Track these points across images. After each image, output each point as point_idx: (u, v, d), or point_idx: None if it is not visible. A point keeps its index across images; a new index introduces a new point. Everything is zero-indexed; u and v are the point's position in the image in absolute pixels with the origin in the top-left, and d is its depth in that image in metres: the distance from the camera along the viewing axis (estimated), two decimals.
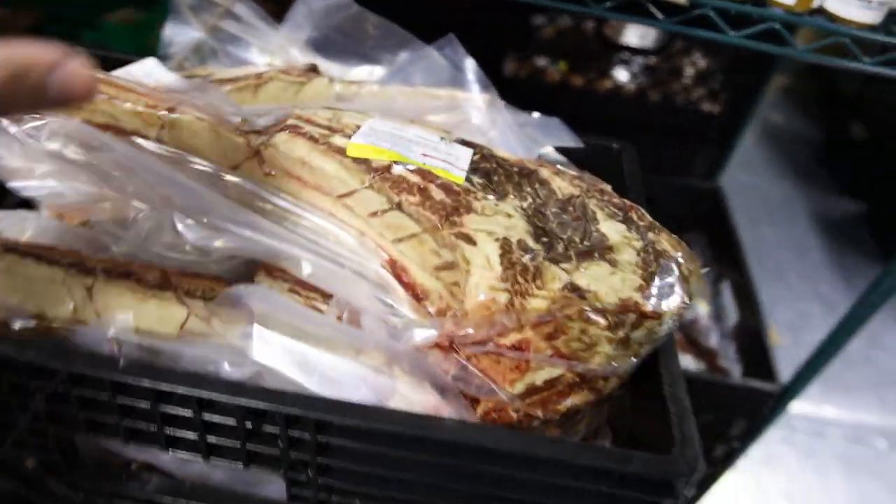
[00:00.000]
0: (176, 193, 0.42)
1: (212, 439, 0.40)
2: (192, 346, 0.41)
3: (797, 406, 1.47)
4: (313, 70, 0.63)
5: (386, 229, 0.43)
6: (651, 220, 0.47)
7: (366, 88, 0.60)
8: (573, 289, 0.39)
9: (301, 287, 0.45)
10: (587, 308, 0.39)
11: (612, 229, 0.44)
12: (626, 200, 0.48)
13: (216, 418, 0.39)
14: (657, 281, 0.41)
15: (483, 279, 0.39)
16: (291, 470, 0.40)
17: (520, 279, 0.39)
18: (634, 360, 0.41)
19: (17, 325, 0.40)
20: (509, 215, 0.42)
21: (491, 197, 0.43)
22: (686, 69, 1.55)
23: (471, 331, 0.39)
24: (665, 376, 0.43)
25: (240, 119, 0.46)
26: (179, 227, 0.41)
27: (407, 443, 0.38)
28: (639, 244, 0.43)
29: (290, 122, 0.46)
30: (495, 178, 0.46)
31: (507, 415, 0.43)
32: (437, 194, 0.42)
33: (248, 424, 0.38)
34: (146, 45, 1.24)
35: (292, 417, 0.37)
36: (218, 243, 0.42)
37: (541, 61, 1.53)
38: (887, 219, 2.34)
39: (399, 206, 0.42)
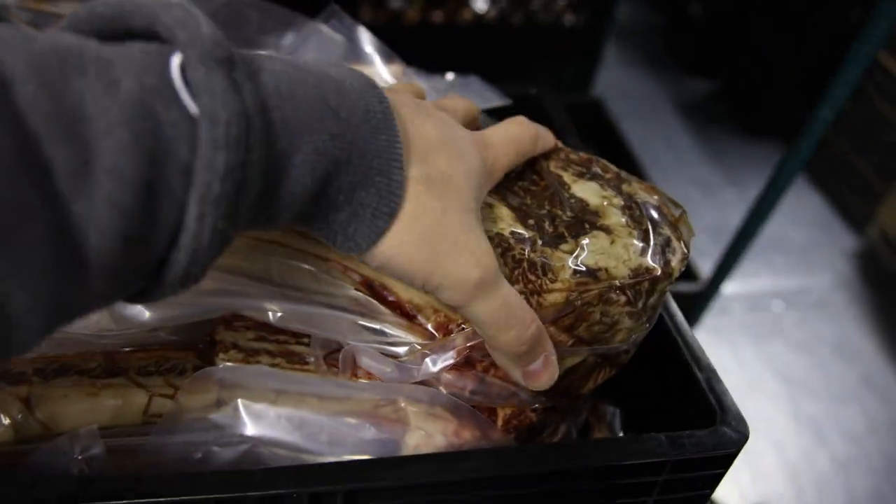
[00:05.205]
0: None
1: None
2: (171, 435, 0.35)
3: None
4: None
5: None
6: (615, 169, 0.44)
7: None
8: (585, 272, 0.37)
9: (268, 332, 0.40)
10: (605, 288, 0.36)
11: (586, 191, 0.41)
12: (581, 154, 0.45)
13: None
14: (654, 238, 0.39)
15: None
16: None
17: (530, 276, 0.36)
18: (649, 325, 0.40)
19: None
20: (489, 204, 0.39)
21: None
22: None
23: None
24: (678, 338, 0.41)
25: None
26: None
27: (450, 486, 0.34)
28: (619, 201, 0.41)
29: None
30: None
31: (527, 418, 0.40)
32: None
33: None
34: None
35: (354, 490, 0.33)
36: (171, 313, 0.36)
37: (395, 3, 1.46)
38: (741, 92, 2.44)
39: None
